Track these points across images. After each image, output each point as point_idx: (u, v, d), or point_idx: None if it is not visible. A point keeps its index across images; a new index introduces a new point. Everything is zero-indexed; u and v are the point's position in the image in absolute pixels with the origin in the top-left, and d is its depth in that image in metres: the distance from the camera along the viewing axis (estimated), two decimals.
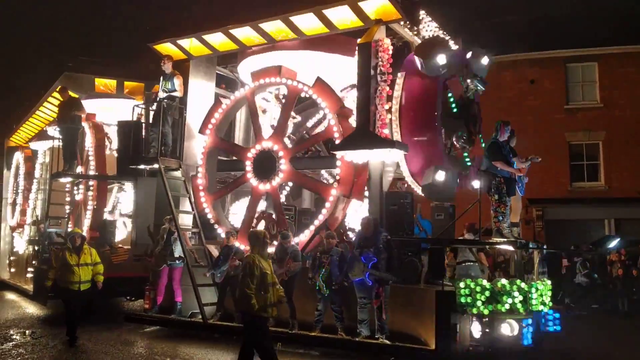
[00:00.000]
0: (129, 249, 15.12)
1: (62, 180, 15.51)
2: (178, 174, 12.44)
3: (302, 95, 11.50)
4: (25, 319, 13.77)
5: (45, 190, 18.00)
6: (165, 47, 12.53)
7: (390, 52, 9.67)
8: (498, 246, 9.41)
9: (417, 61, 9.70)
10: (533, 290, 8.88)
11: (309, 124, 13.14)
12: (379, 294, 8.91)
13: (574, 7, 24.10)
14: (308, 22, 10.54)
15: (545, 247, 10.58)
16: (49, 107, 17.38)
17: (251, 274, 6.94)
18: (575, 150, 23.91)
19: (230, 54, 12.69)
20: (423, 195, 10.06)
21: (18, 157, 20.47)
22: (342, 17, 10.21)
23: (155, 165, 12.15)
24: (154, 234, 12.59)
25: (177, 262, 11.47)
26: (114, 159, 16.34)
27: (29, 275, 17.84)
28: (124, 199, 16.46)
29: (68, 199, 16.70)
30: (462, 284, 8.49)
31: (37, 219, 18.07)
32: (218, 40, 11.82)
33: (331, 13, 10.18)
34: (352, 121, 10.13)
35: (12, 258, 20.34)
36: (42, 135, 18.98)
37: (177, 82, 12.14)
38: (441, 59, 9.57)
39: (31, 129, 19.51)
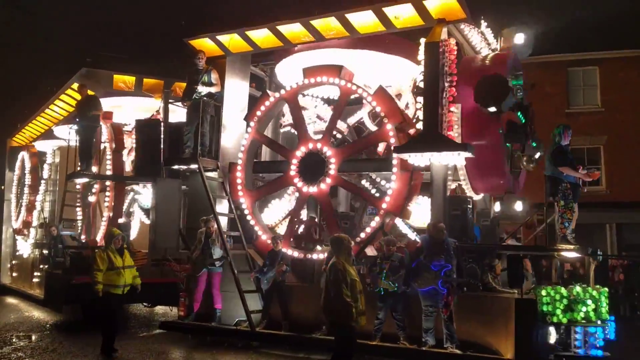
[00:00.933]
0: (146, 253, 14.56)
1: (78, 181, 14.80)
2: (214, 174, 11.93)
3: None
4: (25, 323, 13.24)
5: (55, 192, 17.27)
6: (201, 43, 12.02)
7: (455, 52, 9.39)
8: (564, 254, 9.21)
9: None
10: (602, 297, 8.72)
11: (345, 124, 12.77)
12: (448, 302, 8.62)
13: (574, 12, 24.32)
14: (364, 20, 10.21)
15: (624, 255, 10.44)
16: (60, 105, 16.63)
17: (344, 281, 6.58)
18: (576, 154, 23.89)
19: (261, 53, 12.32)
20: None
21: (23, 156, 19.56)
22: (403, 16, 9.90)
23: (193, 166, 11.60)
24: (188, 238, 12.07)
25: (216, 266, 10.97)
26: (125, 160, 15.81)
27: (36, 280, 17.05)
28: (141, 201, 15.82)
29: (79, 201, 15.99)
30: (543, 292, 8.26)
31: (45, 221, 17.28)
32: (261, 36, 11.37)
33: (391, 11, 9.87)
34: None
35: (14, 262, 19.41)
36: (48, 135, 18.19)
37: (214, 76, 11.64)
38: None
39: (37, 128, 18.66)
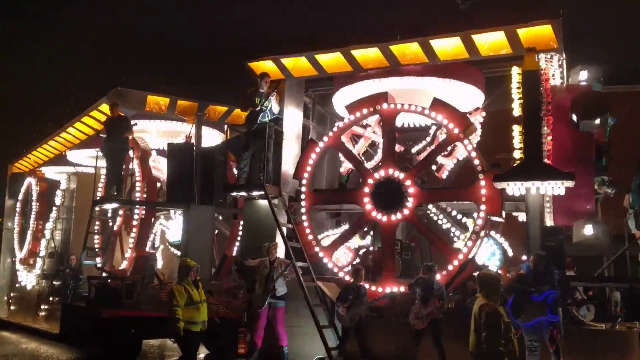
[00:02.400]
0: None
1: (107, 206, 13.85)
2: (275, 202, 11.34)
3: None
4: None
5: (69, 220, 16.19)
6: (262, 65, 11.56)
7: (550, 81, 9.32)
8: None
9: (573, 116, 9.47)
10: None
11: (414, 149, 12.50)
12: (553, 336, 8.31)
13: None
14: (448, 46, 10.03)
15: None
16: (79, 128, 15.68)
17: (498, 326, 6.11)
18: None
19: (311, 79, 12.03)
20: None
21: (30, 182, 18.28)
22: (490, 43, 9.78)
23: (255, 193, 11.00)
24: (244, 270, 11.36)
25: (280, 300, 10.27)
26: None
27: (43, 313, 15.76)
28: (170, 229, 14.95)
29: (97, 228, 14.99)
30: None
31: (56, 250, 16.10)
32: (330, 59, 11.02)
33: (479, 38, 9.73)
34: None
35: (12, 294, 17.92)
36: (58, 161, 17.11)
37: (275, 102, 11.15)
38: (597, 121, 9.42)
39: (46, 153, 17.51)
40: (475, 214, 9.91)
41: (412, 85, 11.19)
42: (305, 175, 11.21)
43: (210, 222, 14.18)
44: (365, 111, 10.95)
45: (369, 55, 10.64)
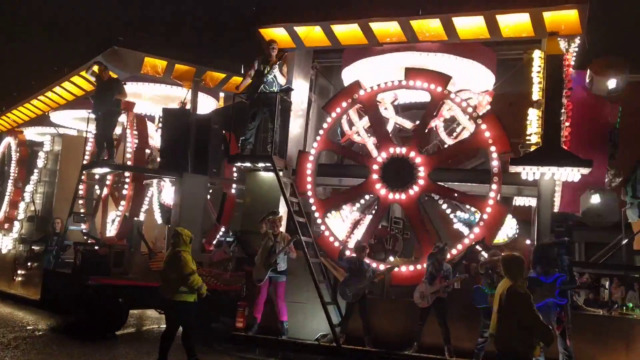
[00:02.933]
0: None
1: (98, 171, 13.31)
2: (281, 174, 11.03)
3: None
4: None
5: (52, 183, 15.52)
6: (272, 32, 11.15)
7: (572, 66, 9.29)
8: None
9: (587, 77, 9.40)
10: None
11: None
12: (561, 318, 8.38)
13: None
14: (469, 25, 9.86)
15: None
16: (68, 88, 14.94)
17: (532, 305, 6.05)
18: None
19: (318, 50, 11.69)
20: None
21: (8, 142, 17.38)
22: (512, 25, 9.65)
23: (261, 164, 10.68)
24: (245, 242, 11.11)
25: (282, 274, 10.07)
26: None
27: (20, 278, 15.17)
28: (161, 197, 14.49)
29: (81, 193, 14.40)
30: None
31: (36, 214, 15.44)
32: (346, 31, 10.71)
33: (503, 19, 9.59)
34: None
35: None
36: (40, 121, 16.31)
37: (284, 70, 10.78)
38: (611, 83, 9.37)
39: (28, 113, 16.68)
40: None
41: (427, 62, 10.99)
42: (309, 187, 10.90)
43: (203, 192, 13.83)
44: (344, 104, 10.79)
45: (387, 29, 10.38)
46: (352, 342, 9.57)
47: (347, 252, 10.24)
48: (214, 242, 14.47)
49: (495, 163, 9.58)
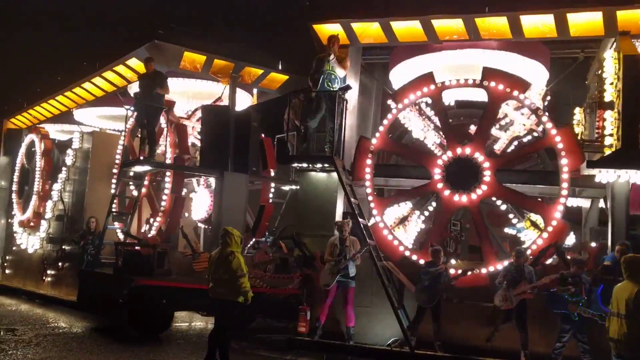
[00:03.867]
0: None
1: (138, 169, 12.96)
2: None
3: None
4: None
5: (82, 181, 15.11)
6: (323, 29, 10.86)
7: None
8: None
9: None
10: None
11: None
12: None
13: None
14: (537, 24, 9.66)
15: None
16: (97, 83, 14.49)
17: None
18: None
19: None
20: None
21: (32, 139, 16.84)
22: (581, 23, 9.48)
23: (319, 165, 10.44)
24: (300, 244, 10.88)
25: (351, 280, 9.89)
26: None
27: (50, 278, 14.83)
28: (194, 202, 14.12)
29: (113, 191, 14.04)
30: None
31: (65, 213, 15.05)
32: (404, 28, 10.46)
33: (573, 17, 9.40)
34: None
35: (8, 257, 16.72)
36: (61, 119, 15.82)
37: (339, 67, 10.49)
38: None
39: (50, 109, 16.20)
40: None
41: (487, 59, 10.75)
42: (367, 176, 10.58)
43: (244, 191, 13.53)
44: (412, 96, 10.39)
45: (449, 26, 10.16)
46: (419, 347, 9.45)
47: (414, 257, 10.09)
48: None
49: (565, 176, 9.43)
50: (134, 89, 14.74)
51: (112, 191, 14.18)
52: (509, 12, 9.61)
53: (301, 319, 10.27)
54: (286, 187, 14.90)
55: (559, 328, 8.67)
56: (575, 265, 8.75)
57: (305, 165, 10.65)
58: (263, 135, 13.61)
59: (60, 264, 14.71)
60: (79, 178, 15.21)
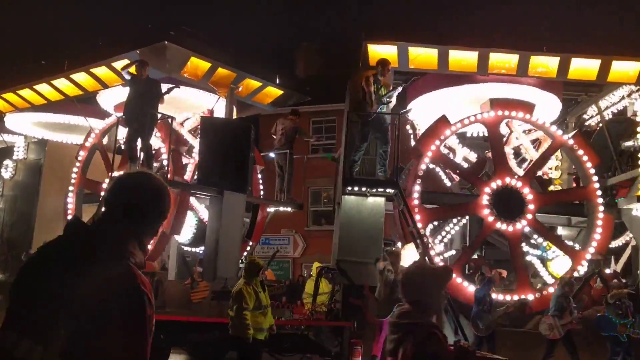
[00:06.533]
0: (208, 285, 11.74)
1: None
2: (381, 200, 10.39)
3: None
4: None
5: (24, 199, 12.47)
6: (376, 49, 10.54)
7: None
8: None
9: None
10: None
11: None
12: None
13: None
14: (585, 67, 10.47)
15: None
16: (59, 85, 12.16)
17: None
18: None
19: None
20: None
21: None
22: (619, 71, 10.49)
23: (378, 189, 9.96)
24: (344, 272, 10.20)
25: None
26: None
27: None
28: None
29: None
30: None
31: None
32: (460, 58, 10.58)
33: (617, 65, 10.37)
34: None
35: None
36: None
37: (395, 93, 10.30)
38: None
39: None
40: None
41: (512, 93, 11.31)
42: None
43: (241, 212, 12.31)
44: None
45: (505, 60, 10.52)
46: None
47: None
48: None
49: (600, 222, 10.41)
50: (104, 97, 12.77)
51: (69, 209, 11.99)
52: (563, 54, 10.26)
53: (356, 353, 9.60)
54: (271, 209, 13.93)
55: (609, 351, 9.26)
56: (618, 288, 9.52)
57: (357, 188, 10.11)
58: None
59: None
60: (19, 194, 12.53)
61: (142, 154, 10.91)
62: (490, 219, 10.48)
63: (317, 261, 12.81)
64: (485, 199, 10.51)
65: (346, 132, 10.03)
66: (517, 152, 12.61)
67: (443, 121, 10.86)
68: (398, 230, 10.96)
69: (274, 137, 13.48)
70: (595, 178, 10.75)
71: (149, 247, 11.41)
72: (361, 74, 10.52)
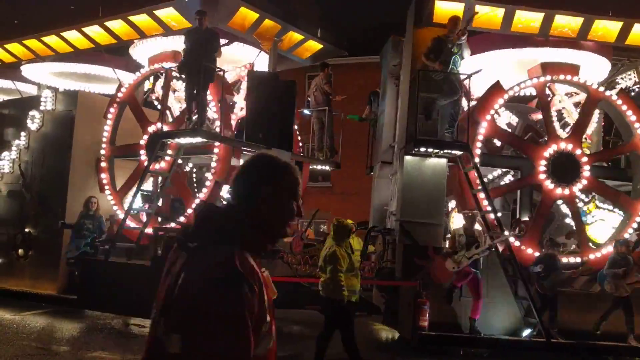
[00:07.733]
0: None
1: (185, 141, 10.60)
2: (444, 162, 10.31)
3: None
4: None
5: (52, 152, 11.77)
6: (443, 7, 10.28)
7: None
8: None
9: None
10: None
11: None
12: None
13: None
14: (607, 27, 10.51)
15: None
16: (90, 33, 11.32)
17: None
18: None
19: None
20: None
21: None
22: None
23: (446, 151, 9.89)
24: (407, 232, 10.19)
25: (478, 271, 9.69)
26: None
27: None
28: None
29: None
30: None
31: (28, 189, 11.64)
32: (523, 19, 10.44)
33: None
34: None
35: None
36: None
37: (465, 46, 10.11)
38: None
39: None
40: None
41: (564, 57, 11.29)
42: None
43: None
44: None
45: (567, 24, 10.42)
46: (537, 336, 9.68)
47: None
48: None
49: None
50: (138, 46, 12.03)
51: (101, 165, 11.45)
52: (624, 18, 10.28)
53: (422, 312, 9.71)
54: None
55: None
56: None
57: (423, 149, 10.00)
58: None
59: (20, 251, 11.44)
60: (47, 146, 11.82)
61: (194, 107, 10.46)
62: (550, 186, 10.63)
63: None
64: (542, 166, 10.62)
65: (409, 93, 9.81)
66: (559, 116, 12.70)
67: (498, 88, 10.76)
68: (457, 192, 10.94)
69: (309, 98, 13.20)
70: None
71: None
72: (426, 31, 10.30)
